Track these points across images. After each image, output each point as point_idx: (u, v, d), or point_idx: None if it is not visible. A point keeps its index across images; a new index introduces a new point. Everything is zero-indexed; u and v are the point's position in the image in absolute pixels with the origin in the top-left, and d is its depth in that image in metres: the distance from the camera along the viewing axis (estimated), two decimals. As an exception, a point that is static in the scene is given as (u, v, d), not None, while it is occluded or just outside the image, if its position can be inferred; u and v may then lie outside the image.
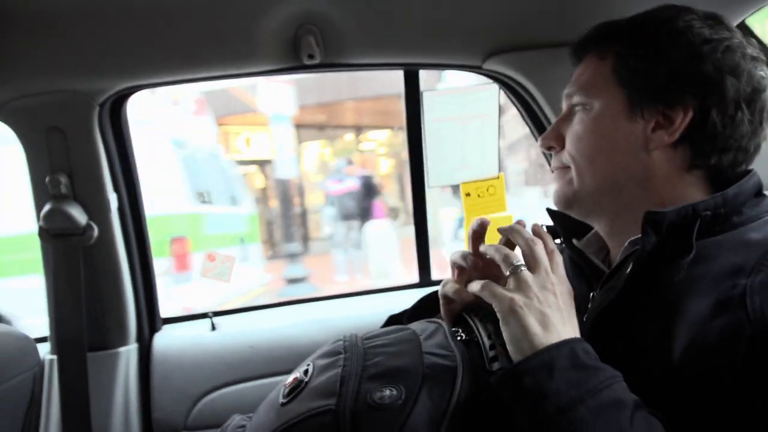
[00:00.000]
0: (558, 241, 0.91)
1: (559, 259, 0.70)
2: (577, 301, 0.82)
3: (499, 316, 0.65)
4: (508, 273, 0.67)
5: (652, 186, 0.77)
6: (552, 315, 0.64)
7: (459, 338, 0.70)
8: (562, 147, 0.84)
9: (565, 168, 0.84)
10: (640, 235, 0.70)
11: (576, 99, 0.82)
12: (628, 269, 0.71)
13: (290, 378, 0.69)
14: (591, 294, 0.81)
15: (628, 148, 0.78)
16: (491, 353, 0.67)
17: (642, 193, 0.78)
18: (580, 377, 0.61)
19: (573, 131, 0.82)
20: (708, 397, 0.61)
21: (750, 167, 0.78)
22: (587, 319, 0.76)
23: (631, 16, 0.80)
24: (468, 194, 1.46)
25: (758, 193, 0.75)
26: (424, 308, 0.95)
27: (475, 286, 0.68)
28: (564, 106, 0.86)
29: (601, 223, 0.84)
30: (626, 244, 0.77)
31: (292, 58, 1.20)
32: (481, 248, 0.75)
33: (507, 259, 0.68)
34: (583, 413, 0.58)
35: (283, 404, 0.65)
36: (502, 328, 0.64)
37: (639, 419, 0.59)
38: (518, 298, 0.64)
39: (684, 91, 0.74)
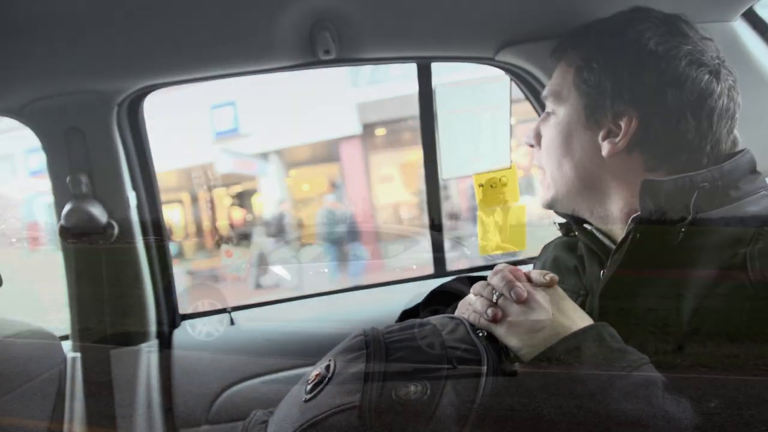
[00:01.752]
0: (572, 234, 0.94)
1: (519, 273, 0.74)
2: (589, 283, 0.84)
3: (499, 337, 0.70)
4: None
5: (621, 183, 0.81)
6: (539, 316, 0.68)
7: (480, 334, 0.71)
8: (540, 146, 0.90)
9: (542, 169, 0.91)
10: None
11: (548, 104, 0.88)
12: (629, 239, 0.74)
13: (312, 373, 0.69)
14: (602, 272, 0.83)
15: (587, 154, 0.82)
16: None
17: (612, 189, 0.82)
18: (609, 360, 0.62)
19: (545, 136, 0.89)
20: (718, 356, 0.64)
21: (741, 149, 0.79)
22: (598, 293, 0.78)
23: (598, 20, 0.84)
24: (481, 185, 1.47)
25: (753, 170, 0.78)
26: (436, 302, 0.96)
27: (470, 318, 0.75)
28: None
29: (585, 215, 0.88)
30: (629, 220, 0.80)
31: (309, 54, 1.21)
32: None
33: (489, 294, 0.73)
34: (614, 395, 0.59)
35: (306, 400, 0.65)
36: (509, 343, 0.68)
37: (669, 399, 0.60)
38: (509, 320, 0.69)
39: (627, 103, 0.77)
